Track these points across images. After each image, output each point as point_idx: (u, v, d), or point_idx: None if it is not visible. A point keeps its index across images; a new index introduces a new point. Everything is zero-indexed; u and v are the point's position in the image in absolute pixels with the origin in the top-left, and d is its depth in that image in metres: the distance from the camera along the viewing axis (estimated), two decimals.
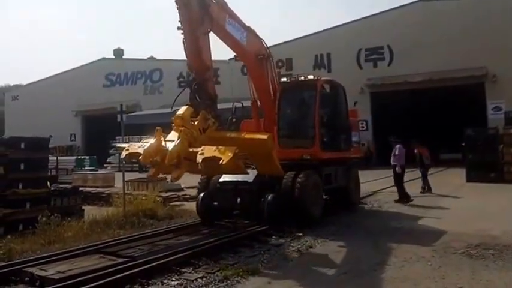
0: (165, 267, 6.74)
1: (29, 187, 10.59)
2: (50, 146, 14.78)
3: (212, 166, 7.32)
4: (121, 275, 6.21)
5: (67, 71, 47.70)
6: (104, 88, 44.70)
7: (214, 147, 7.31)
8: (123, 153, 8.35)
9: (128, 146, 8.42)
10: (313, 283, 6.45)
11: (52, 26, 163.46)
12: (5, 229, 9.70)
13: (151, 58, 45.84)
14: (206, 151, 7.29)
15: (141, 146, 7.93)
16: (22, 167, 10.60)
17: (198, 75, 8.61)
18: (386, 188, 15.79)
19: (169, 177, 10.29)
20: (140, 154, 7.72)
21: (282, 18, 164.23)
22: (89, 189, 15.80)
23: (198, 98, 8.51)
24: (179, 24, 8.47)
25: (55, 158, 23.58)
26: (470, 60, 27.49)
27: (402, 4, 31.55)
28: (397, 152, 13.72)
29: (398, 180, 13.73)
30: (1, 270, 6.62)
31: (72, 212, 11.07)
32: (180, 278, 6.46)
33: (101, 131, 38.12)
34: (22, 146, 10.92)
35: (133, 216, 10.90)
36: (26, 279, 6.34)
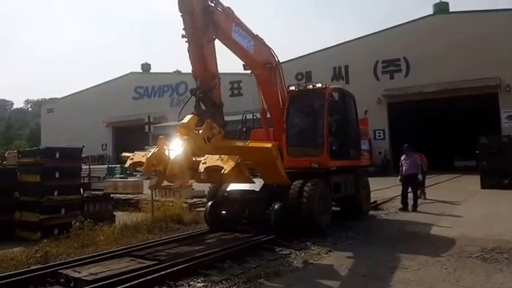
0: (191, 269, 6.78)
1: (63, 194, 10.76)
2: (82, 155, 15.04)
3: (215, 175, 7.07)
4: (150, 277, 6.26)
5: (99, 85, 48.66)
6: (133, 100, 45.41)
7: (217, 157, 7.06)
8: (128, 163, 7.93)
9: (133, 155, 7.98)
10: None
11: (84, 43, 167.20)
12: (41, 233, 9.90)
13: (177, 72, 46.35)
14: (209, 160, 7.06)
15: (145, 155, 7.61)
16: (57, 175, 10.76)
17: (203, 84, 8.23)
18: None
19: (195, 184, 10.33)
20: (143, 163, 7.45)
21: (299, 31, 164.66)
22: (119, 196, 15.97)
23: (204, 106, 8.13)
24: (183, 32, 8.06)
25: (88, 166, 24.00)
26: (484, 71, 27.14)
27: (418, 17, 31.39)
28: (419, 162, 13.58)
29: (417, 188, 13.52)
30: (38, 272, 6.75)
31: (104, 218, 11.19)
32: (206, 280, 6.47)
33: (130, 141, 38.58)
34: (57, 155, 11.12)
35: (161, 221, 11.00)
36: (61, 280, 6.44)
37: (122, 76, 47.76)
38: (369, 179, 12.98)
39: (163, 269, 6.63)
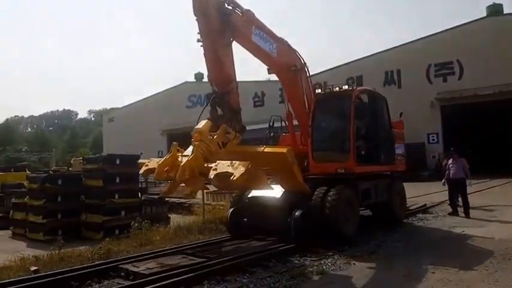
0: (238, 267, 7.26)
1: (123, 197, 11.66)
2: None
3: (226, 182, 6.78)
4: (199, 272, 6.83)
5: (155, 94, 50.58)
6: (186, 109, 46.86)
7: (228, 162, 6.78)
8: (142, 169, 7.82)
9: (148, 162, 7.85)
10: None
11: (142, 56, 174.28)
12: (104, 233, 10.77)
13: None
14: (220, 166, 6.82)
15: (159, 161, 7.46)
16: (117, 180, 11.64)
17: (219, 88, 8.01)
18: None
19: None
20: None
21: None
22: (174, 200, 16.80)
23: (220, 111, 7.94)
24: (198, 37, 7.83)
25: None
26: None
27: (470, 20, 30.51)
28: (467, 166, 13.17)
29: (464, 192, 13.19)
30: (102, 266, 7.52)
31: (160, 219, 11.95)
32: (251, 277, 6.91)
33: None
34: (117, 162, 12.04)
35: (211, 223, 11.49)
36: (122, 274, 7.14)
37: (176, 86, 49.45)
38: (422, 183, 12.80)
39: (211, 265, 7.18)
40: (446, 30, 31.17)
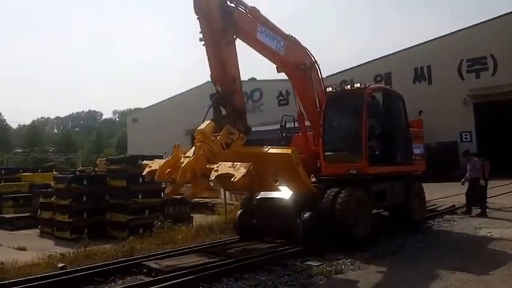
0: (256, 265, 7.59)
1: (146, 197, 12.12)
2: None
3: (228, 183, 6.81)
4: (218, 269, 7.21)
5: (178, 94, 51.29)
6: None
7: (229, 164, 6.80)
8: (145, 171, 7.92)
9: (151, 163, 7.92)
10: None
11: (164, 56, 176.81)
12: (128, 232, 11.25)
13: (252, 79, 47.68)
14: (221, 167, 6.83)
15: (161, 162, 7.50)
16: (140, 180, 11.81)
17: (223, 88, 7.96)
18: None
19: None
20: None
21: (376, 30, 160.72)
22: (197, 200, 17.20)
23: (224, 111, 7.91)
24: (200, 36, 7.80)
25: None
26: None
27: (504, 13, 29.89)
28: (477, 166, 13.45)
29: (482, 194, 13.37)
30: (126, 263, 8.00)
31: (183, 219, 12.37)
32: (269, 275, 7.22)
33: None
34: (140, 162, 12.47)
35: (232, 223, 11.85)
36: (144, 270, 7.58)
37: (199, 85, 50.02)
38: (454, 183, 12.93)
39: (230, 263, 7.54)
40: (478, 24, 30.65)
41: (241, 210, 10.12)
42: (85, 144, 77.85)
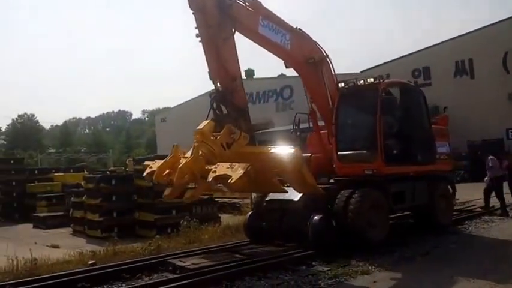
0: (280, 265, 7.91)
1: None
2: None
3: (225, 184, 6.77)
4: (241, 268, 7.60)
5: (206, 93, 51.56)
6: None
7: (227, 165, 6.72)
8: (146, 172, 8.03)
9: (152, 164, 7.94)
10: None
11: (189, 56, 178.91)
12: (156, 231, 11.74)
13: (281, 76, 47.53)
14: (219, 168, 6.78)
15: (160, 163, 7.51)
16: None
17: (223, 86, 7.86)
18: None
19: None
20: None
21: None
22: (225, 200, 17.64)
23: (226, 110, 7.82)
24: (196, 31, 7.68)
25: None
26: None
27: None
28: (490, 164, 13.49)
29: (498, 192, 13.53)
30: (153, 260, 8.51)
31: (210, 219, 12.78)
32: (293, 274, 7.50)
33: None
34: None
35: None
36: (170, 268, 8.05)
37: None
38: None
39: (254, 262, 7.91)
40: None
41: (250, 212, 10.12)
42: (115, 145, 79.83)
